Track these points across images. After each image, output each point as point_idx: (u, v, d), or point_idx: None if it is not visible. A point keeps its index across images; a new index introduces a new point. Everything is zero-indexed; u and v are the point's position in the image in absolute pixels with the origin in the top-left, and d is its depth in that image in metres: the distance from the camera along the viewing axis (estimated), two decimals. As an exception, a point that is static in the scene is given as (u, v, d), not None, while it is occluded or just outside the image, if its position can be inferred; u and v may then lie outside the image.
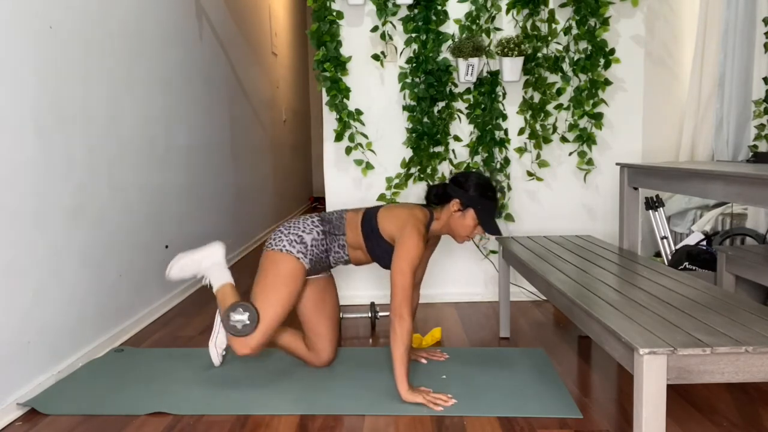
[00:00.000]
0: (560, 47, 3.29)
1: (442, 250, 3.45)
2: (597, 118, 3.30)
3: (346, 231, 2.32)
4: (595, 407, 2.07)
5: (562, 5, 3.23)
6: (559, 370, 2.41)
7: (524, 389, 2.20)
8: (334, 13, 3.21)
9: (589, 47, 3.24)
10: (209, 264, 2.42)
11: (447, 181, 2.37)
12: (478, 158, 3.33)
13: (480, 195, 2.26)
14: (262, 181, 5.83)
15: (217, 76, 4.45)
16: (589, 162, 3.36)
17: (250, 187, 5.35)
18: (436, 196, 2.33)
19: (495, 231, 2.29)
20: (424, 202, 2.39)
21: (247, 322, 2.17)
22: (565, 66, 3.30)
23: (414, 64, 3.24)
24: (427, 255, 2.55)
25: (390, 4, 3.20)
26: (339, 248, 2.34)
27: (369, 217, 2.32)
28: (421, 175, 3.33)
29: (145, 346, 2.83)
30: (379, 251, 2.30)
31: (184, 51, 3.80)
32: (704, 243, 3.39)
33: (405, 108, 3.30)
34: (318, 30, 3.20)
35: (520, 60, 3.18)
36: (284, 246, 2.26)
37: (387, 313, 2.97)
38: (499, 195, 2.36)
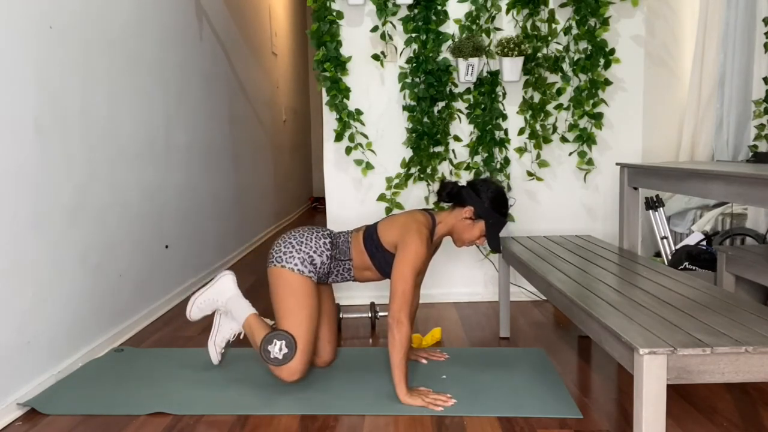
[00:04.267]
0: (560, 47, 3.29)
1: (442, 250, 3.45)
2: (597, 118, 3.30)
3: (352, 255, 2.31)
4: (595, 407, 2.07)
5: (562, 5, 3.23)
6: (559, 370, 2.41)
7: (524, 389, 2.20)
8: (334, 13, 3.21)
9: (589, 47, 3.24)
10: (225, 299, 2.42)
11: (460, 183, 2.35)
12: (478, 158, 3.33)
13: (495, 209, 2.26)
14: (262, 180, 5.83)
15: (217, 77, 4.45)
16: (589, 162, 3.36)
17: (250, 187, 5.35)
18: (449, 195, 2.32)
19: (497, 248, 2.30)
20: (428, 205, 2.38)
21: (286, 350, 2.18)
22: (565, 66, 3.30)
23: (414, 64, 3.24)
24: (429, 258, 2.54)
25: (390, 4, 3.20)
26: (344, 271, 2.33)
27: (370, 233, 2.30)
28: (421, 175, 3.32)
29: (145, 346, 2.82)
30: (387, 267, 2.28)
31: (184, 51, 3.80)
32: (704, 243, 3.39)
33: (405, 108, 3.30)
34: (318, 30, 3.20)
35: (520, 60, 3.18)
36: (296, 265, 2.24)
37: (387, 314, 2.96)
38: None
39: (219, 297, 2.43)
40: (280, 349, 2.18)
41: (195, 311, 2.45)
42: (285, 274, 2.24)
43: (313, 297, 2.26)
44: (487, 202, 2.25)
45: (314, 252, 2.27)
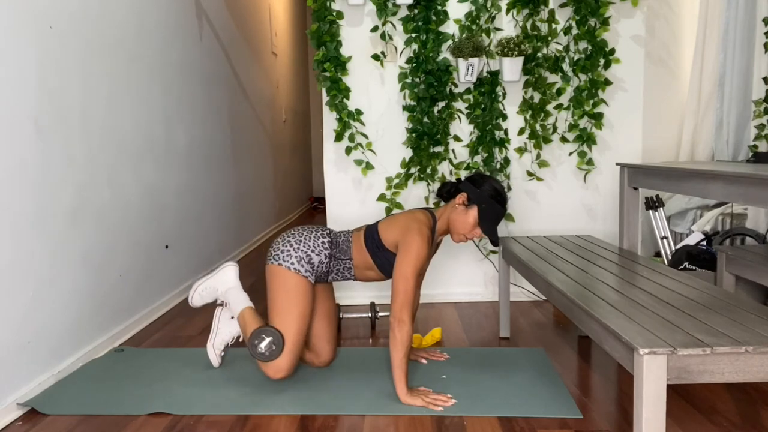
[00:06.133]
0: (560, 47, 3.29)
1: (442, 250, 3.45)
2: (597, 118, 3.30)
3: (353, 254, 2.30)
4: (595, 407, 2.07)
5: (562, 5, 3.23)
6: (559, 370, 2.41)
7: (524, 389, 2.20)
8: (334, 13, 3.21)
9: (589, 47, 3.24)
10: (225, 289, 2.45)
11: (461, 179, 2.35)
12: (478, 158, 3.33)
13: (489, 195, 2.24)
14: (262, 180, 5.83)
15: (217, 76, 4.45)
16: (589, 162, 3.36)
17: (250, 187, 5.35)
18: (448, 192, 2.31)
19: (493, 236, 2.24)
20: (427, 204, 2.37)
21: (273, 347, 2.18)
22: (565, 66, 3.30)
23: (414, 64, 3.24)
24: (429, 258, 2.54)
25: (390, 4, 3.20)
26: (344, 270, 2.32)
27: (370, 233, 2.29)
28: (421, 175, 3.32)
29: (145, 346, 2.82)
30: (389, 267, 2.27)
31: (184, 51, 3.80)
32: (704, 243, 3.39)
33: (405, 108, 3.30)
34: (318, 30, 3.20)
35: (520, 60, 3.18)
36: (293, 264, 2.24)
37: (387, 313, 2.97)
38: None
39: (220, 286, 2.46)
40: (267, 346, 2.18)
41: (196, 298, 2.48)
42: (281, 272, 2.24)
43: (307, 297, 2.25)
44: (482, 188, 2.24)
45: (312, 251, 2.27)
